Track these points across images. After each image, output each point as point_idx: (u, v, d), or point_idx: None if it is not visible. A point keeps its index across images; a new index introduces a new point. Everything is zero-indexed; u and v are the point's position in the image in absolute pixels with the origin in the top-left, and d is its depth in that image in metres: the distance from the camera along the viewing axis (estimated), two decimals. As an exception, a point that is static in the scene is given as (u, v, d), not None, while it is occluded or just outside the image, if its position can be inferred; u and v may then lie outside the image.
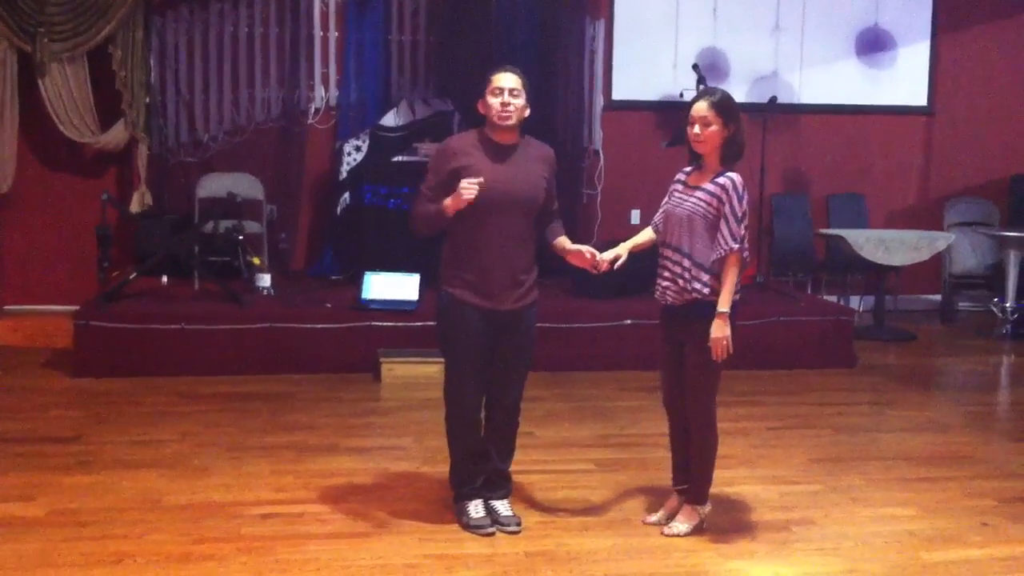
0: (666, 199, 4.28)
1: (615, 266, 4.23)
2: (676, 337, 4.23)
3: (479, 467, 4.32)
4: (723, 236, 4.06)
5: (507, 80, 4.11)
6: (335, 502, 4.55)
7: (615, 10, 9.08)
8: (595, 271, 4.25)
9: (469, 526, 4.23)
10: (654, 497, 4.62)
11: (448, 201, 4.06)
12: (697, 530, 4.26)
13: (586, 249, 4.24)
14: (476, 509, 4.28)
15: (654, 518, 4.37)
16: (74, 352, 6.76)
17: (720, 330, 4.06)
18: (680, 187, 4.23)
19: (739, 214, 4.05)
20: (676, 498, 4.39)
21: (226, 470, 4.95)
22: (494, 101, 4.10)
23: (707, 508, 4.31)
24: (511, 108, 4.10)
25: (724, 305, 4.07)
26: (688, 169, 4.27)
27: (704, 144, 4.12)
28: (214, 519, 4.32)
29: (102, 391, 6.37)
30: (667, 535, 4.23)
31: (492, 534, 4.20)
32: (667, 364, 4.30)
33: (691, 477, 4.30)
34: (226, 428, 5.66)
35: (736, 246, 4.05)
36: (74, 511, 4.38)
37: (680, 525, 4.26)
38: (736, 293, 4.12)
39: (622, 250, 4.27)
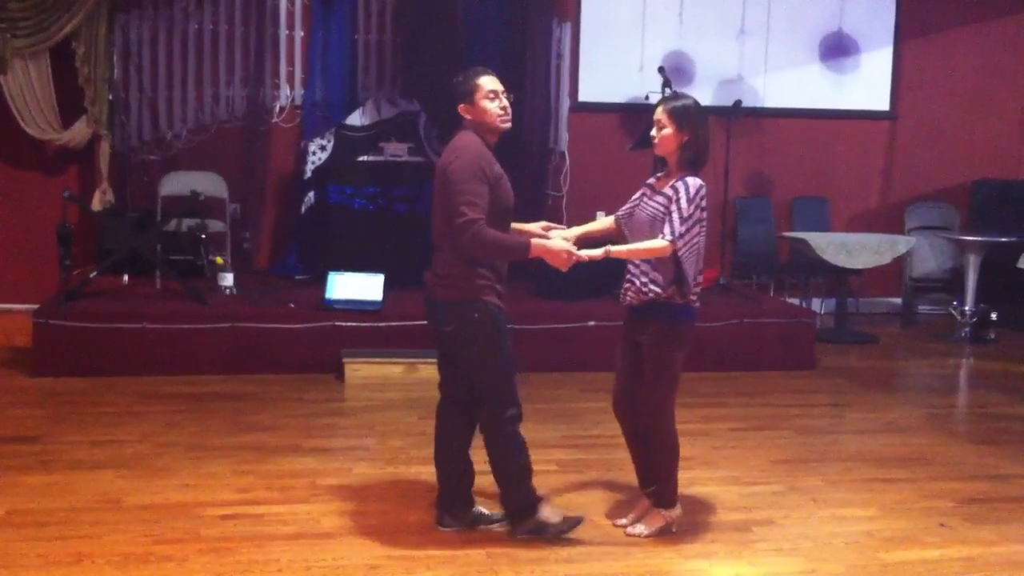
0: (636, 198, 4.27)
1: None
2: (633, 337, 4.24)
3: None
4: (663, 231, 4.03)
5: (497, 83, 4.07)
6: (297, 503, 4.54)
7: (582, 12, 9.11)
8: None
9: (564, 529, 4.17)
10: (616, 498, 4.64)
11: (544, 247, 4.00)
12: (662, 533, 4.26)
13: (541, 224, 4.30)
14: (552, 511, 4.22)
15: (623, 521, 4.37)
16: (34, 351, 6.70)
17: (562, 252, 3.99)
18: (648, 191, 4.25)
19: (685, 214, 4.01)
20: (646, 501, 4.39)
21: (187, 470, 4.92)
22: (492, 105, 4.04)
23: (676, 511, 4.32)
24: (509, 110, 4.09)
25: (615, 249, 4.07)
26: (659, 174, 4.29)
27: (658, 147, 4.15)
28: (174, 520, 4.29)
29: (62, 391, 6.32)
30: (629, 535, 4.25)
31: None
32: (620, 365, 4.30)
33: (655, 480, 4.31)
34: (187, 428, 5.63)
35: (671, 238, 4.01)
36: (33, 511, 4.34)
37: (641, 527, 4.27)
38: (693, 295, 4.12)
39: (568, 234, 4.24)
